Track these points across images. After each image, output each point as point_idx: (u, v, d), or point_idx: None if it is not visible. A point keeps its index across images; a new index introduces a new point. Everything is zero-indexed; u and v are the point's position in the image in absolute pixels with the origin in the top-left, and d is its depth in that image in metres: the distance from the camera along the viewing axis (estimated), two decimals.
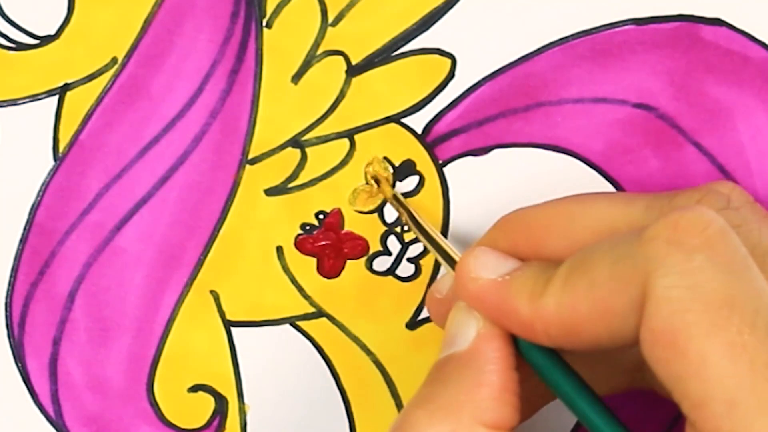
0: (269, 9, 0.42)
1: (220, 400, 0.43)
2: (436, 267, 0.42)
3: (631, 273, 0.31)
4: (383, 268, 0.43)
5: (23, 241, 0.43)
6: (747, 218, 0.36)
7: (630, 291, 0.31)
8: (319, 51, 0.42)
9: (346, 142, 0.42)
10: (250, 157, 0.43)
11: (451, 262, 0.38)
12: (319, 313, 0.43)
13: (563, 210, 0.37)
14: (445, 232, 0.42)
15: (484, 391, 0.34)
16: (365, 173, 0.42)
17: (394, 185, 0.42)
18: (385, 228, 0.42)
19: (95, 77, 0.43)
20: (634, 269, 0.31)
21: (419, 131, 0.42)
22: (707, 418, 0.30)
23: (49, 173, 0.43)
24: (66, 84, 0.43)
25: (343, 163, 0.42)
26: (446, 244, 0.39)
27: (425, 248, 0.42)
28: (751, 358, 0.30)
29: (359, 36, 0.42)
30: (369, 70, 0.42)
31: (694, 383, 0.30)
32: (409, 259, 0.42)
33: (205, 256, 0.43)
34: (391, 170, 0.42)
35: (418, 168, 0.42)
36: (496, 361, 0.34)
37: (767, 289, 0.31)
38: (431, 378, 0.35)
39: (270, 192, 0.43)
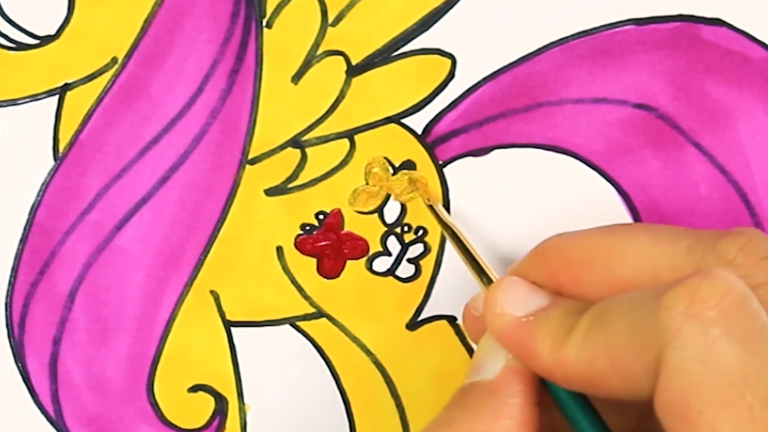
0: (269, 9, 0.42)
1: (220, 400, 0.43)
2: (436, 267, 0.42)
3: (646, 340, 0.31)
4: (383, 269, 0.43)
5: (23, 241, 0.43)
6: None
7: (645, 358, 0.31)
8: (319, 51, 0.42)
9: (346, 142, 0.42)
10: (250, 157, 0.43)
11: (488, 281, 0.38)
12: (319, 314, 0.43)
13: (605, 244, 0.36)
14: None
15: (504, 423, 0.34)
16: (365, 174, 0.42)
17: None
18: (385, 228, 0.42)
19: (95, 77, 0.43)
20: (649, 337, 0.31)
21: (419, 132, 0.42)
22: None
23: (49, 173, 0.43)
24: (66, 84, 0.43)
25: (343, 163, 0.42)
26: (483, 262, 0.39)
27: (425, 249, 0.42)
28: None
29: (359, 36, 0.42)
30: (369, 70, 0.42)
31: None
32: (409, 260, 0.42)
33: (205, 256, 0.43)
34: (391, 171, 0.42)
35: (418, 168, 0.42)
36: (520, 395, 0.34)
37: None
38: (453, 403, 0.35)
39: (270, 192, 0.43)
